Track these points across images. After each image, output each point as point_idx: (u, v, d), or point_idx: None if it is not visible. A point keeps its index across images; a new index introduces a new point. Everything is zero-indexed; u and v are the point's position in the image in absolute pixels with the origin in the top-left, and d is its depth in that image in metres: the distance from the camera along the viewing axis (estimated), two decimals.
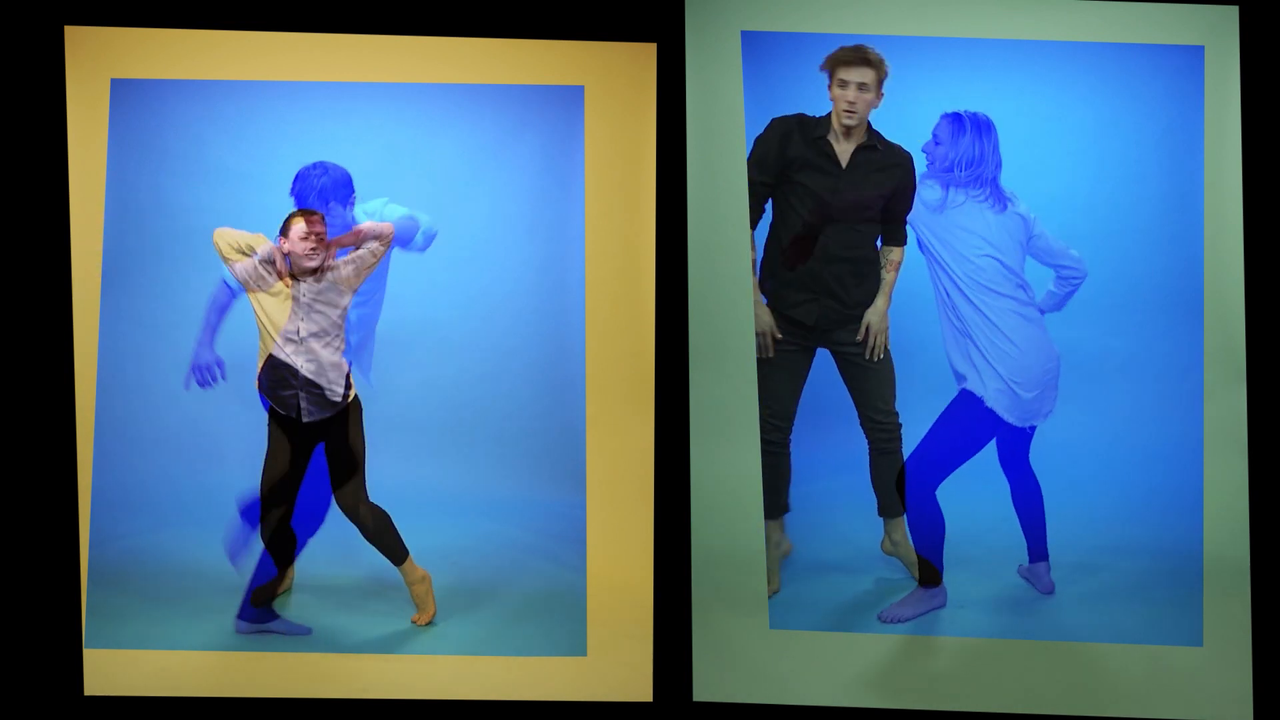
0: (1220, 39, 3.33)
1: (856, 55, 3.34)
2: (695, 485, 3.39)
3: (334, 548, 3.72)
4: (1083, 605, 3.47)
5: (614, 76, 3.43)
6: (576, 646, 3.44)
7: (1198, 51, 3.35)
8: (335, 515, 3.64)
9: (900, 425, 3.48)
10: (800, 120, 3.42)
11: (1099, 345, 3.51)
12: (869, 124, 3.42)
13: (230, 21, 3.41)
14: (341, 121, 3.56)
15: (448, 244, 3.70)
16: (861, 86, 3.36)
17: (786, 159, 3.39)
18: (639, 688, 3.38)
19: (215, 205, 3.57)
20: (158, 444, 3.69)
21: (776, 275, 3.47)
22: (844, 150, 3.41)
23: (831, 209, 3.41)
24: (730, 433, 3.39)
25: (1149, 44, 3.37)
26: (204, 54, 3.43)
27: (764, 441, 3.39)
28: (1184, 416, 3.39)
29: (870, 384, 3.49)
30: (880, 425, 3.49)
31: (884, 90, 3.37)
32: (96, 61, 3.40)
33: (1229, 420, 3.33)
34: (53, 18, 3.37)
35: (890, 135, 3.46)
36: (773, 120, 3.41)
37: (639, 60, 3.41)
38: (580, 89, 3.45)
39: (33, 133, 3.37)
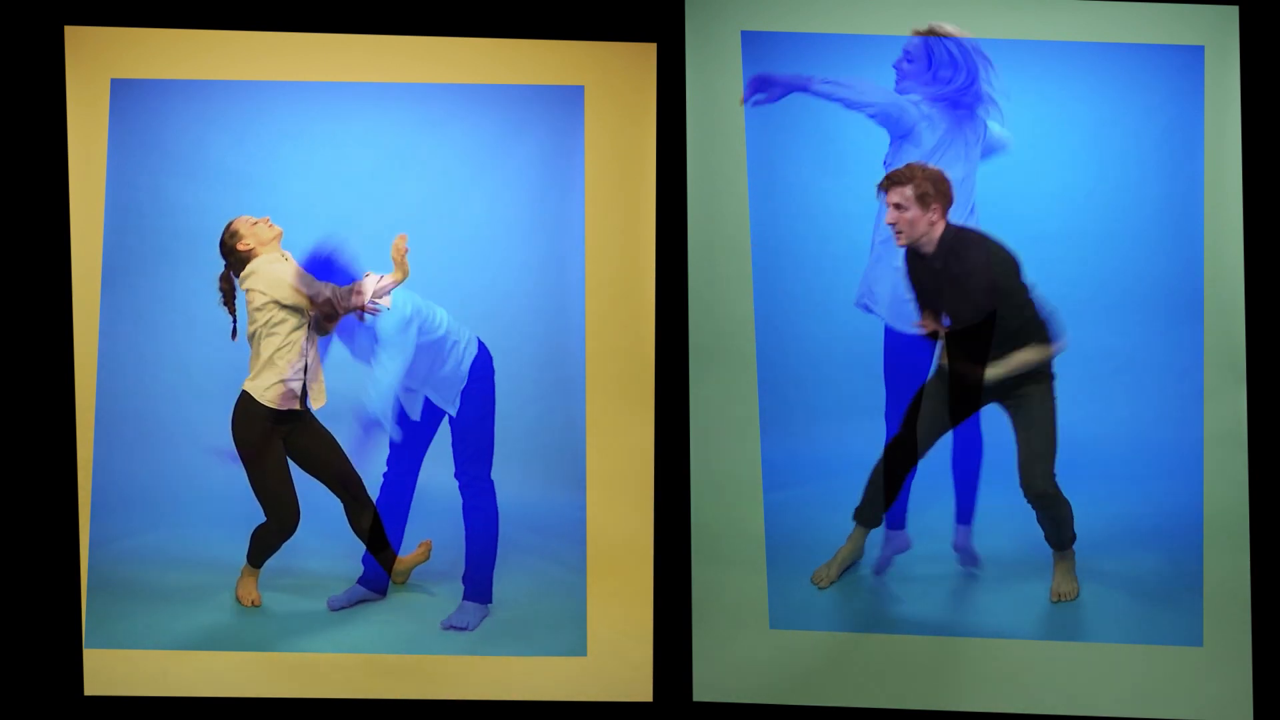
0: (1220, 39, 3.33)
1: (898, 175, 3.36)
2: (695, 485, 3.40)
3: (331, 546, 3.72)
4: (1083, 605, 3.47)
5: (614, 76, 3.43)
6: (576, 646, 3.44)
7: (1198, 51, 3.35)
8: (335, 514, 3.65)
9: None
10: None
11: (1098, 345, 3.51)
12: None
13: (230, 21, 3.41)
14: (341, 121, 3.56)
15: (447, 244, 3.70)
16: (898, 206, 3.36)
17: None
18: (639, 688, 3.38)
19: (215, 205, 3.56)
20: (158, 444, 3.69)
21: None
22: None
23: None
24: (730, 433, 3.40)
25: (1149, 44, 3.37)
26: (204, 54, 3.43)
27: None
28: (1184, 416, 3.39)
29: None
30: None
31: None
32: (96, 61, 3.40)
33: (1229, 420, 3.33)
34: (53, 18, 3.37)
35: None
36: None
37: (639, 60, 3.41)
38: (580, 89, 3.45)
39: (33, 133, 3.37)
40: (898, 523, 3.58)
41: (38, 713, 3.36)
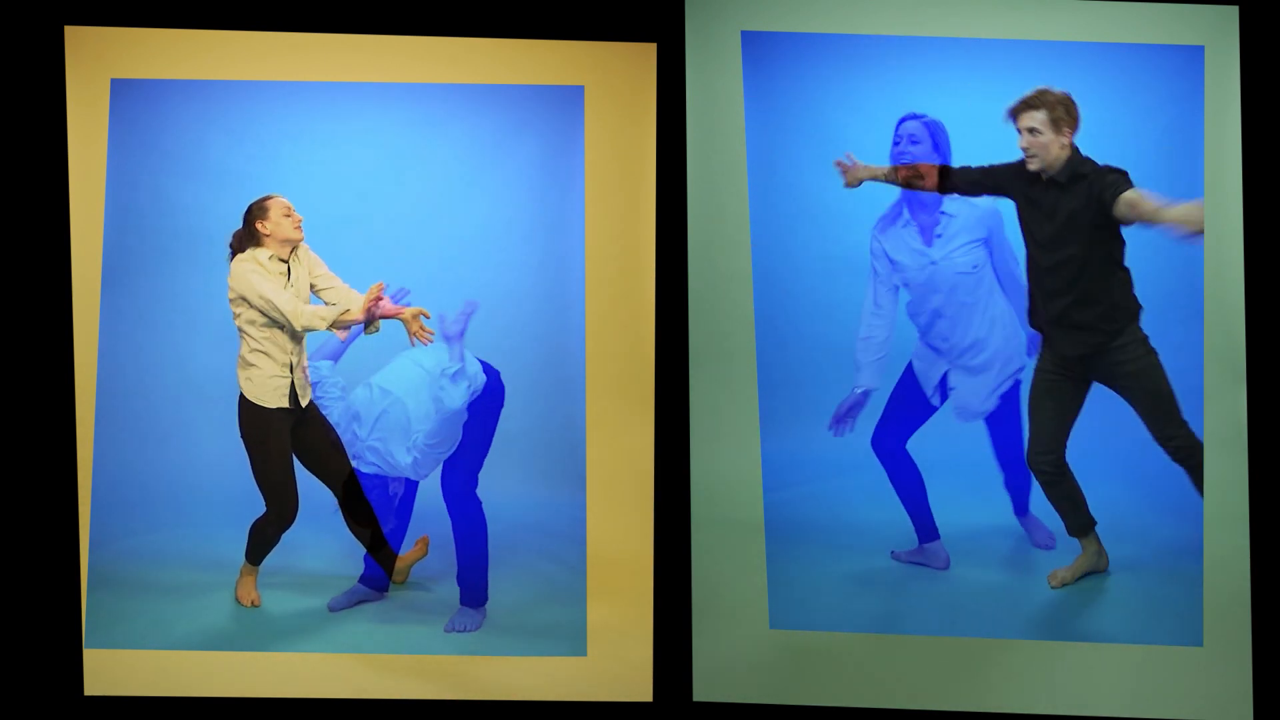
0: (1220, 39, 3.33)
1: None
2: (695, 485, 3.40)
3: (331, 546, 3.73)
4: (1082, 605, 3.47)
5: (614, 76, 3.43)
6: (576, 646, 3.44)
7: (1198, 51, 3.35)
8: (336, 513, 3.65)
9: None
10: None
11: None
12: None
13: (230, 21, 3.41)
14: (341, 121, 3.56)
15: (447, 244, 3.71)
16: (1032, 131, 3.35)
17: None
18: (639, 688, 3.38)
19: (215, 206, 3.57)
20: (158, 444, 3.69)
21: None
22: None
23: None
24: (730, 433, 3.39)
25: (1149, 44, 3.37)
26: (204, 54, 3.43)
27: (1036, 473, 3.49)
28: (1184, 416, 3.38)
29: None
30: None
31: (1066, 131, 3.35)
32: (96, 61, 3.40)
33: (1229, 420, 3.33)
34: (53, 18, 3.37)
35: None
36: None
37: (639, 60, 3.41)
38: (580, 89, 3.45)
39: (33, 133, 3.37)
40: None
41: (38, 713, 3.36)
